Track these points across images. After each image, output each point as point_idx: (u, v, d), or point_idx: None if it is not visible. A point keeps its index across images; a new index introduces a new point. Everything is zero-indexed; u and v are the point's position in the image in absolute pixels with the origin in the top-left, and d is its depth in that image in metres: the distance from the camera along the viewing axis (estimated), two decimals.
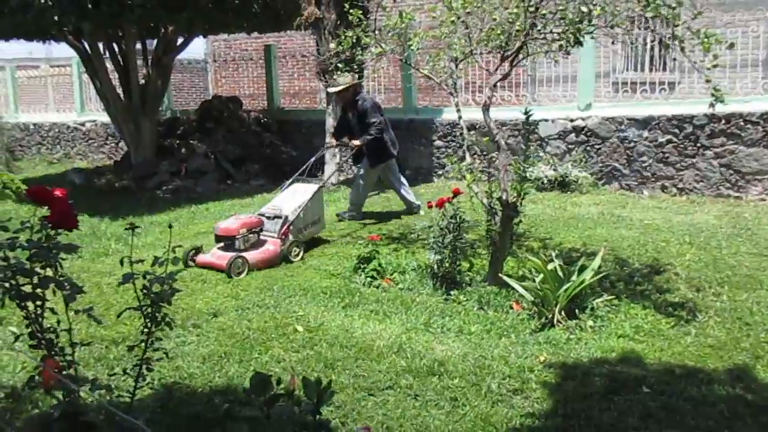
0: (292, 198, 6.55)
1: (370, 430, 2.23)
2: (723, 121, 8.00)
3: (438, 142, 10.21)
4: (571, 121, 9.01)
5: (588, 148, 8.90)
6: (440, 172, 10.20)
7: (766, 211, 7.36)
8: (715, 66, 3.92)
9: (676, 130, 8.30)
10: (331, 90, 6.64)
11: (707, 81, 3.93)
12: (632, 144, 8.58)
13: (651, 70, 9.47)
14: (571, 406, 3.33)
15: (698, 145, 8.21)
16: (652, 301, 4.81)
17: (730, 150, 8.04)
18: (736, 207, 7.64)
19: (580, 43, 4.35)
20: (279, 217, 6.19)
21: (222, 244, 5.85)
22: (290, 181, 6.96)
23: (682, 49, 3.98)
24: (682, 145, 8.31)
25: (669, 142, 8.37)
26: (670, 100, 8.58)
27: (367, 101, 7.32)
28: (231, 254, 5.64)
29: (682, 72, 9.07)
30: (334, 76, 6.62)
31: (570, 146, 9.03)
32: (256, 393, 2.20)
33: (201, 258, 5.87)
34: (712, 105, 4.17)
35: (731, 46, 3.86)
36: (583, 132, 8.93)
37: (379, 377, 3.68)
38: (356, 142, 7.21)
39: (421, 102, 11.18)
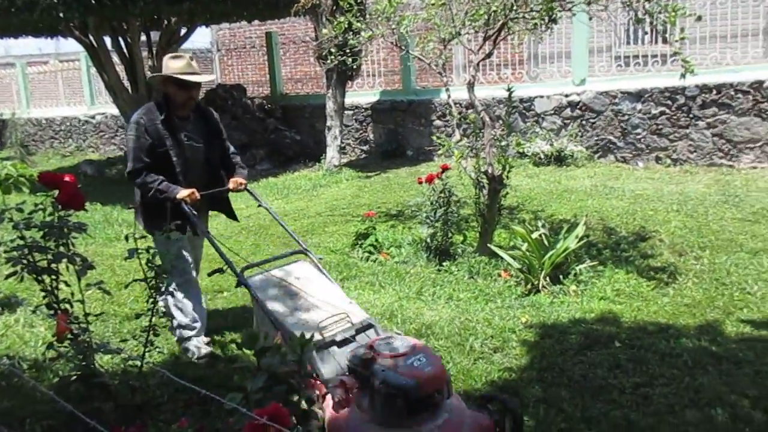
0: (322, 290, 3.46)
1: (346, 382, 2.52)
2: (714, 92, 8.13)
3: (437, 122, 10.42)
4: (566, 96, 9.17)
5: (583, 122, 9.07)
6: (440, 151, 10.40)
7: (755, 179, 7.53)
8: (682, 38, 4.10)
9: (669, 102, 8.45)
10: (203, 79, 3.70)
11: (676, 53, 4.12)
12: (626, 117, 8.74)
13: (644, 43, 9.58)
14: (546, 361, 3.60)
15: (691, 115, 8.36)
16: (635, 266, 5.04)
17: (721, 120, 8.18)
18: (727, 175, 7.81)
19: (554, 21, 4.54)
20: (370, 326, 3.24)
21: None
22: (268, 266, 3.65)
23: (652, 23, 4.16)
24: (675, 117, 8.46)
25: (662, 113, 8.52)
26: (663, 72, 8.71)
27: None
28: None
29: (683, 45, 9.18)
30: (192, 63, 3.71)
31: (566, 121, 9.21)
32: (247, 346, 2.48)
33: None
34: (683, 76, 4.36)
35: (699, 18, 4.03)
36: (578, 107, 9.09)
37: None
38: (241, 180, 3.91)
39: (420, 83, 11.37)
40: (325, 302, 3.25)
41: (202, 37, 29.22)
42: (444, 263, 5.28)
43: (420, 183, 5.70)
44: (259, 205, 3.99)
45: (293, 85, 15.05)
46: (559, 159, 8.86)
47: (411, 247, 5.72)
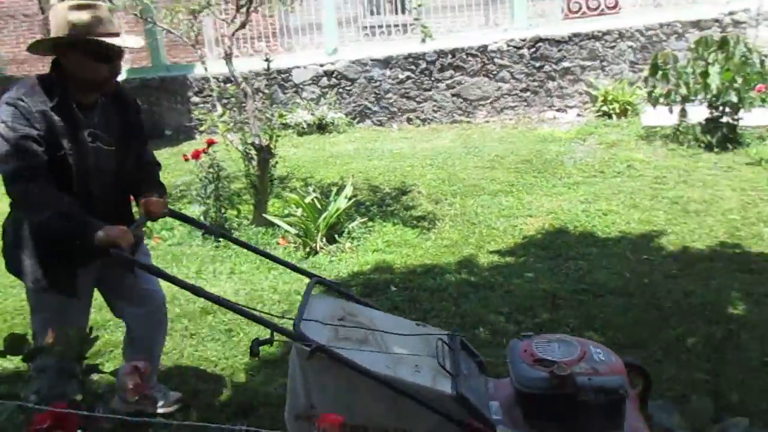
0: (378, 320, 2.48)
1: (139, 367, 2.36)
2: (450, 56, 9.05)
3: (195, 98, 10.02)
4: (322, 65, 9.46)
5: (340, 90, 9.46)
6: (202, 127, 10.07)
7: (489, 131, 8.61)
8: (420, 6, 4.49)
9: (413, 67, 9.20)
10: (132, 43, 2.41)
11: (415, 20, 4.51)
12: (378, 83, 9.32)
13: (387, 13, 10.24)
14: None
15: (432, 78, 9.21)
16: (401, 218, 5.50)
17: (457, 81, 9.16)
18: (467, 130, 8.81)
19: None
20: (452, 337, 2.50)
21: None
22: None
23: None
24: (419, 80, 9.25)
25: (408, 78, 9.25)
26: (405, 39, 9.43)
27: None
28: None
29: (420, 15, 9.97)
30: (111, 17, 2.40)
31: (324, 90, 9.51)
32: (11, 353, 2.22)
33: None
34: (423, 41, 4.81)
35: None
36: (333, 75, 9.44)
37: None
38: (160, 200, 2.64)
39: (171, 59, 10.80)
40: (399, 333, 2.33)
41: None
42: (220, 239, 5.20)
43: (186, 160, 5.50)
44: (204, 233, 3.08)
45: (18, 67, 13.20)
46: (322, 127, 9.16)
47: (184, 228, 5.52)
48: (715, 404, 1.44)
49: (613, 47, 8.76)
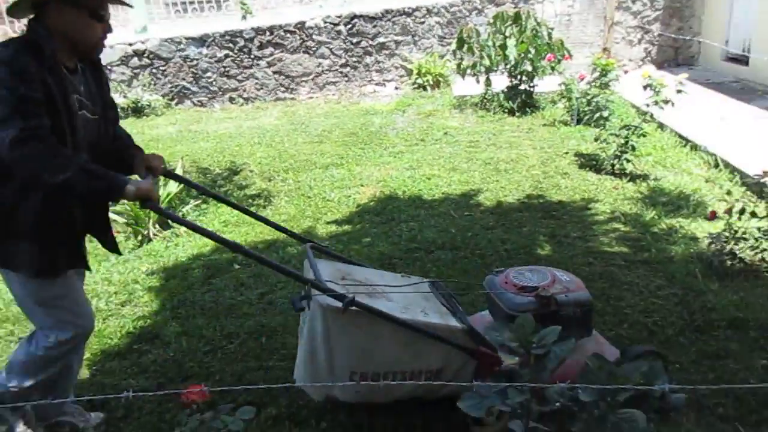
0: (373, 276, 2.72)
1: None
2: (268, 33, 8.99)
3: None
4: (131, 45, 8.89)
5: (154, 70, 8.97)
6: None
7: (314, 107, 8.75)
8: None
9: (231, 45, 9.00)
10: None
11: None
12: (195, 62, 8.99)
13: None
14: (177, 299, 3.73)
15: (252, 56, 9.09)
16: (235, 198, 5.46)
17: (278, 58, 9.14)
18: (292, 107, 8.86)
19: None
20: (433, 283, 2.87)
21: None
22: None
23: None
24: (239, 59, 9.08)
25: (227, 56, 9.04)
26: (220, 16, 9.19)
27: None
28: None
29: None
30: None
31: (135, 71, 8.96)
32: None
33: None
34: (243, 17, 4.76)
35: None
36: (145, 55, 8.92)
37: None
38: (157, 156, 2.66)
39: None
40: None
41: None
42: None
43: None
44: (202, 194, 2.62)
45: None
46: (137, 110, 8.65)
47: None
48: (535, 322, 1.75)
49: (422, 23, 9.30)
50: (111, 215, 4.72)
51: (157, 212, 2.21)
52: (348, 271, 2.51)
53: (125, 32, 8.97)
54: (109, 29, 2.23)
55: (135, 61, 8.94)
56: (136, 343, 3.29)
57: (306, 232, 4.68)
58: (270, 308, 3.58)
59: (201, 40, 8.93)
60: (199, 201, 5.24)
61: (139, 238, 4.71)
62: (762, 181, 3.90)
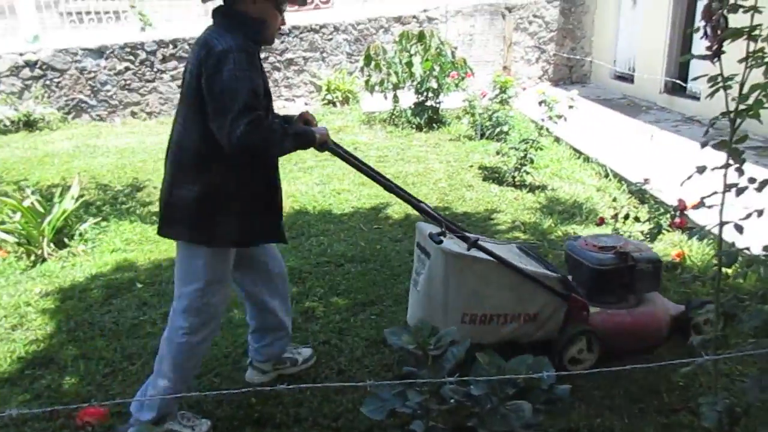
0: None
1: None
2: (171, 46, 8.77)
3: None
4: (21, 55, 8.41)
5: (47, 82, 8.53)
6: None
7: None
8: None
9: (132, 57, 8.70)
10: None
11: (132, 6, 4.33)
12: (93, 74, 8.63)
13: None
14: (74, 321, 3.55)
15: (155, 69, 8.83)
16: (138, 215, 5.27)
17: (182, 72, 8.91)
18: None
19: None
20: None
21: None
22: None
23: None
24: (140, 71, 8.79)
25: (128, 69, 8.74)
26: (120, 27, 8.87)
27: None
28: None
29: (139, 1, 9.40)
30: None
31: (27, 82, 8.48)
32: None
33: None
34: (143, 29, 4.64)
35: None
36: (37, 66, 8.47)
37: None
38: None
39: None
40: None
41: None
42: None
43: None
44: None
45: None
46: (29, 124, 8.19)
47: None
48: (433, 326, 1.84)
49: (330, 39, 9.39)
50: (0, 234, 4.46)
51: (333, 153, 2.53)
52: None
53: (15, 42, 8.48)
54: (284, 21, 2.46)
55: (27, 72, 8.46)
56: (29, 368, 3.10)
57: None
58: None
59: (99, 52, 8.58)
60: (99, 219, 5.02)
61: (32, 258, 4.45)
62: (643, 187, 4.22)
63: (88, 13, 8.92)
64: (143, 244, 4.71)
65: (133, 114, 8.88)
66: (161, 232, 2.48)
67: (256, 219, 2.46)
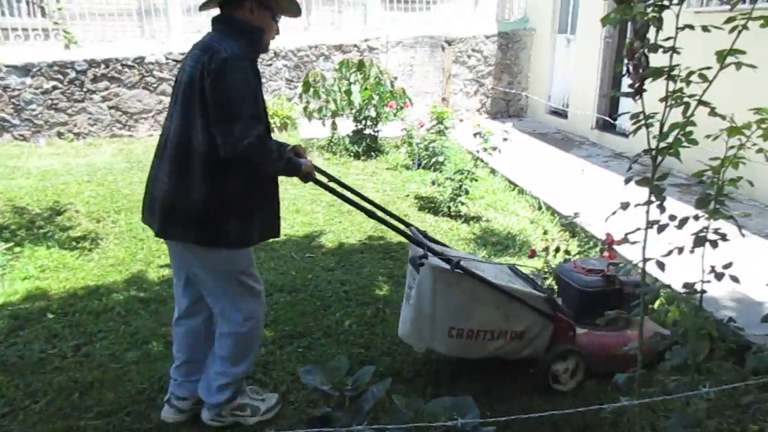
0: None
1: None
2: (103, 66, 8.47)
3: None
4: None
5: None
6: None
7: (153, 145, 8.27)
8: (60, 9, 4.14)
9: (60, 76, 8.35)
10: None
11: (56, 23, 4.14)
12: (17, 92, 8.22)
13: (23, 15, 9.10)
14: None
15: (85, 89, 8.50)
16: (56, 240, 4.97)
17: (114, 93, 8.63)
18: (129, 144, 8.37)
19: None
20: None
21: None
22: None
23: None
24: (69, 91, 8.45)
25: (55, 88, 8.38)
26: (49, 46, 8.52)
27: None
28: None
29: (64, 19, 9.05)
30: None
31: None
32: None
33: None
34: (67, 47, 4.44)
35: None
36: None
37: None
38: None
39: None
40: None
41: None
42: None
43: None
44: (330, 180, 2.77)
45: None
46: None
47: None
48: (350, 362, 1.76)
49: (270, 65, 9.30)
50: None
51: (318, 184, 2.58)
52: (442, 250, 2.87)
53: None
54: (277, 31, 2.51)
55: None
56: None
57: (135, 277, 4.36)
58: (87, 361, 3.25)
59: (25, 70, 8.20)
60: (12, 244, 4.71)
61: None
62: (574, 221, 4.28)
63: (14, 29, 8.52)
64: (59, 272, 4.44)
65: (60, 134, 8.49)
66: (162, 234, 2.47)
67: (261, 218, 2.51)
